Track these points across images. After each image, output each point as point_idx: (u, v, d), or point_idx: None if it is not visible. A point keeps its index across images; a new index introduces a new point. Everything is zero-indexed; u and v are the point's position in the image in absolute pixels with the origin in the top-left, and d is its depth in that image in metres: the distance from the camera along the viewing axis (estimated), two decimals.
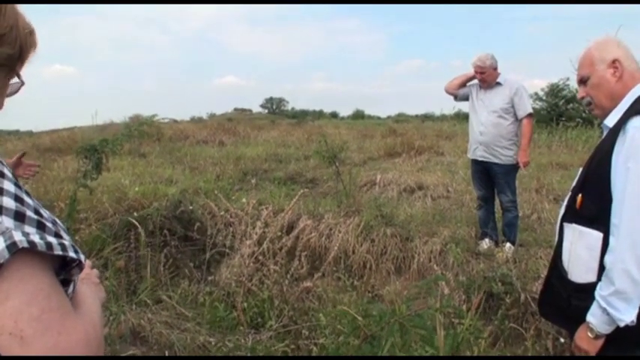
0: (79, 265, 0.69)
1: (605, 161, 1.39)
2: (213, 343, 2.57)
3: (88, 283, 0.85)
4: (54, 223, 0.68)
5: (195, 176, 6.95)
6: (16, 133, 14.79)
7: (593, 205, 1.43)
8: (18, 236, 0.59)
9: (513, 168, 4.05)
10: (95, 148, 3.41)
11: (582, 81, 1.57)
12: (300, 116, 34.52)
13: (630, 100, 1.44)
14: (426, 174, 6.99)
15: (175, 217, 4.26)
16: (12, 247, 0.58)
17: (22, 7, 0.71)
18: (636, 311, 1.32)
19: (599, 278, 1.39)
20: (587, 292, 1.41)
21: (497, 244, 4.15)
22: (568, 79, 13.61)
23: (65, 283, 0.68)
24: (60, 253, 0.63)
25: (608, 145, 1.41)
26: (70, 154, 7.46)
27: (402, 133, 12.41)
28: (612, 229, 1.35)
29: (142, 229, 3.69)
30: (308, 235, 3.93)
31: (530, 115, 3.99)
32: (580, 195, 1.48)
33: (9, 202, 0.61)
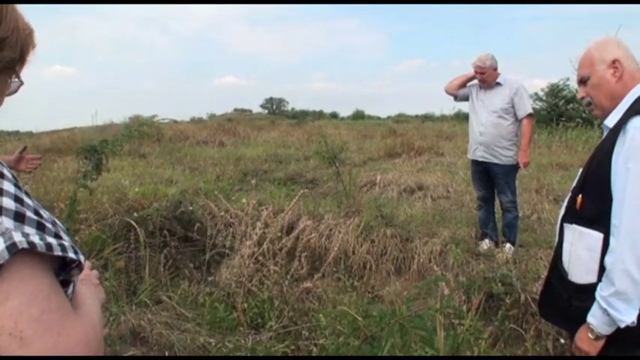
0: (79, 266, 0.69)
1: (606, 162, 1.39)
2: (213, 344, 2.57)
3: (88, 284, 0.86)
4: (53, 223, 0.68)
5: (195, 177, 6.95)
6: (16, 133, 14.80)
7: (593, 206, 1.43)
8: (18, 237, 0.59)
9: (513, 168, 4.04)
10: (95, 148, 3.41)
11: (582, 81, 1.57)
12: (300, 117, 34.52)
13: (630, 101, 1.44)
14: (426, 174, 6.99)
15: (175, 217, 4.26)
16: (12, 247, 0.58)
17: (21, 7, 0.71)
18: (637, 312, 1.32)
19: (599, 279, 1.39)
20: (587, 292, 1.41)
21: (497, 244, 4.15)
22: (568, 79, 13.64)
23: (65, 283, 0.68)
24: (60, 253, 0.63)
25: (608, 145, 1.40)
26: (70, 154, 7.46)
27: (402, 133, 12.42)
28: (612, 229, 1.35)
29: (142, 229, 3.69)
30: (308, 236, 3.93)
31: (530, 116, 3.99)
32: (580, 195, 1.48)
33: (9, 203, 0.61)
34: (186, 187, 5.82)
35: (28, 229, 0.61)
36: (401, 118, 29.84)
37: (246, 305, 2.96)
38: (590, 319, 1.39)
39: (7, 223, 0.60)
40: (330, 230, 4.42)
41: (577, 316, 1.45)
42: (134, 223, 3.68)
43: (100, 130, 11.18)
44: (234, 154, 9.38)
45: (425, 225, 4.59)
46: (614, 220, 1.34)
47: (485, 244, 4.15)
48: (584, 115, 11.76)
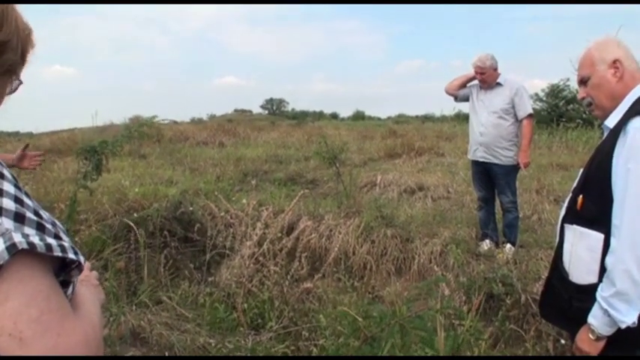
0: (79, 267, 0.69)
1: (606, 162, 1.38)
2: (213, 344, 2.57)
3: (88, 284, 0.85)
4: (53, 224, 0.68)
5: (195, 177, 6.95)
6: (17, 134, 14.81)
7: (593, 206, 1.43)
8: (18, 237, 0.59)
9: (514, 169, 4.04)
10: (95, 149, 3.42)
11: (583, 81, 1.57)
12: (301, 117, 34.50)
13: (631, 101, 1.44)
14: (426, 175, 6.98)
15: (175, 218, 4.26)
16: (12, 248, 0.57)
17: (21, 7, 0.71)
18: (637, 312, 1.32)
19: (600, 279, 1.39)
20: (588, 293, 1.41)
21: (497, 245, 4.15)
22: (568, 79, 13.63)
23: (65, 284, 0.68)
24: (59, 254, 0.63)
25: (608, 146, 1.40)
26: (70, 155, 7.45)
27: (402, 134, 12.42)
28: (613, 230, 1.35)
29: (142, 230, 3.69)
30: (308, 236, 3.93)
31: (530, 116, 3.99)
32: (581, 196, 1.48)
33: (9, 204, 0.61)
34: (186, 187, 5.82)
35: (28, 230, 0.61)
36: (401, 119, 29.80)
37: (246, 306, 2.96)
38: (590, 319, 1.39)
39: (7, 223, 0.59)
40: (331, 231, 4.42)
41: (578, 317, 1.45)
42: (132, 225, 3.68)
43: (100, 131, 11.18)
44: (234, 154, 9.38)
45: (425, 225, 4.59)
46: (615, 220, 1.34)
47: (486, 244, 4.15)
48: (584, 115, 11.75)
